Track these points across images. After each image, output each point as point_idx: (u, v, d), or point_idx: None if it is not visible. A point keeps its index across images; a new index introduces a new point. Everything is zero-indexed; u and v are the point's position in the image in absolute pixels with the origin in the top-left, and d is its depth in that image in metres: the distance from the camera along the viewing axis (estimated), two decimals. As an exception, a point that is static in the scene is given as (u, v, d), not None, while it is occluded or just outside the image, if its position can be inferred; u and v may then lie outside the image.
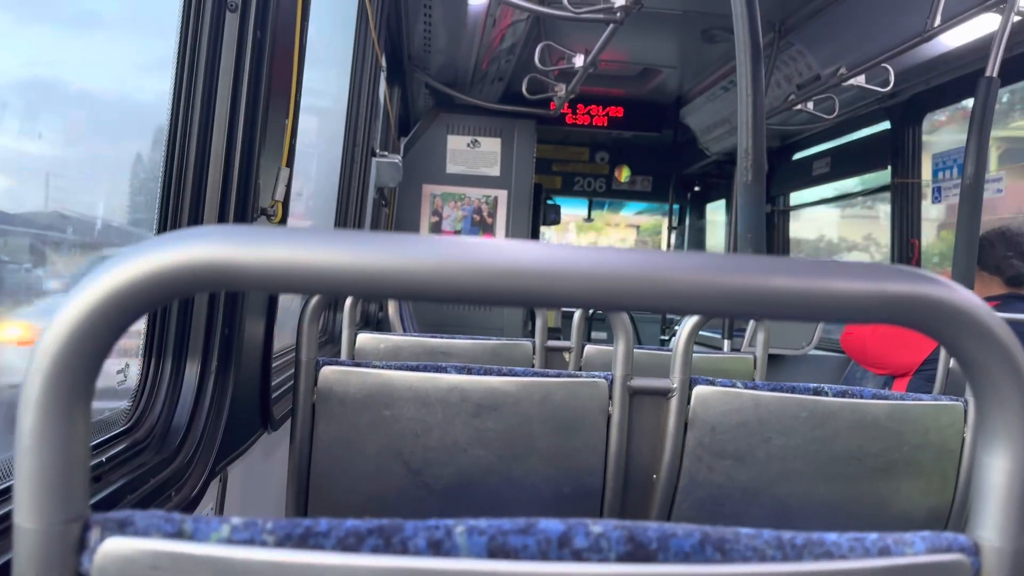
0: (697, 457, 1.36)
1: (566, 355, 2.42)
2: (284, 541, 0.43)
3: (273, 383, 1.76)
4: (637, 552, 0.44)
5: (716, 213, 7.78)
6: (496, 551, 0.44)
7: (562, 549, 0.44)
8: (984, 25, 2.87)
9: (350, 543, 0.43)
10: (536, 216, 5.69)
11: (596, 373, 1.40)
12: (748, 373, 2.36)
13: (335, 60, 3.02)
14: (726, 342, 3.28)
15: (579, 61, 3.22)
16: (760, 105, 1.79)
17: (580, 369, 2.29)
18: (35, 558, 0.41)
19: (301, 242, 0.41)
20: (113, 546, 0.42)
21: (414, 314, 4.37)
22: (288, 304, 2.13)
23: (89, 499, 0.43)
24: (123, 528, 0.42)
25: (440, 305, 4.93)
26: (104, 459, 1.04)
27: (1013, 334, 0.46)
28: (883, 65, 3.05)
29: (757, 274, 0.43)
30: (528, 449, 1.37)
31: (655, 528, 0.45)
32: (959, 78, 3.70)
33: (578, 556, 0.44)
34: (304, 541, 0.43)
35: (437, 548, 0.44)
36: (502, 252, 0.42)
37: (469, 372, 1.36)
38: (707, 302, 0.42)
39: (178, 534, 0.43)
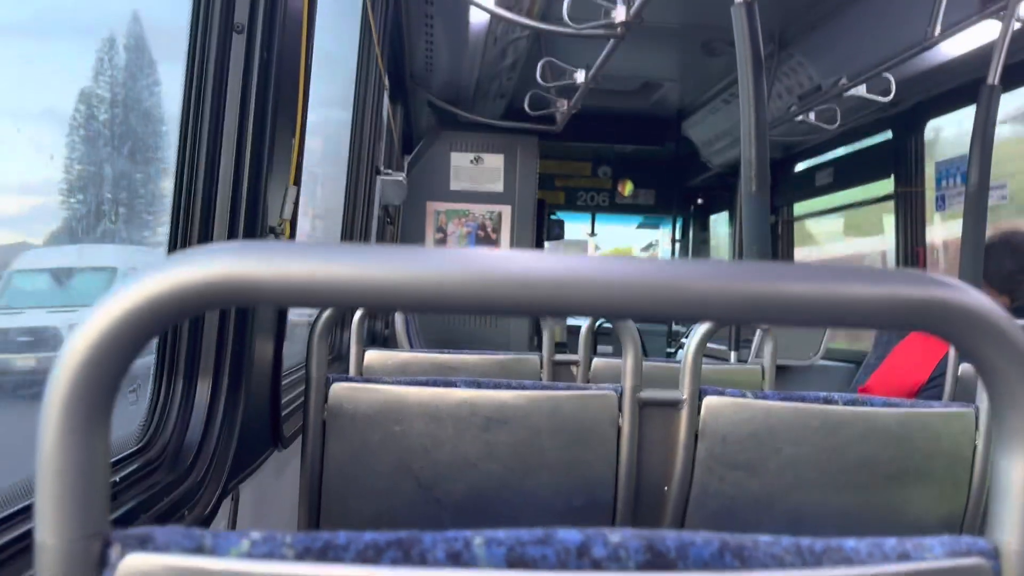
0: (708, 468, 1.36)
1: (573, 368, 2.41)
2: (304, 554, 0.43)
3: (283, 401, 1.76)
4: (656, 561, 0.44)
5: (719, 226, 7.78)
6: (515, 562, 0.44)
7: (581, 559, 0.44)
8: (984, 33, 2.88)
9: (369, 556, 0.43)
10: (540, 231, 5.69)
11: (605, 385, 1.40)
12: (756, 384, 2.35)
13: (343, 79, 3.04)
14: (732, 354, 3.27)
15: (580, 77, 3.24)
16: (763, 115, 1.80)
17: (588, 382, 2.29)
18: (56, 574, 0.41)
19: (317, 256, 0.41)
20: (134, 562, 0.42)
21: (420, 330, 4.36)
22: (291, 328, 2.13)
23: (108, 516, 0.43)
24: (143, 544, 0.42)
25: (447, 321, 4.93)
26: (118, 478, 1.04)
27: None
28: (884, 75, 3.06)
29: (772, 280, 0.43)
30: (538, 462, 1.36)
31: (673, 537, 0.45)
32: (960, 86, 3.70)
33: (597, 566, 0.44)
34: (324, 554, 0.43)
35: (456, 560, 0.44)
36: (512, 263, 0.43)
37: (479, 386, 1.36)
38: (723, 309, 0.42)
39: (198, 549, 0.43)
